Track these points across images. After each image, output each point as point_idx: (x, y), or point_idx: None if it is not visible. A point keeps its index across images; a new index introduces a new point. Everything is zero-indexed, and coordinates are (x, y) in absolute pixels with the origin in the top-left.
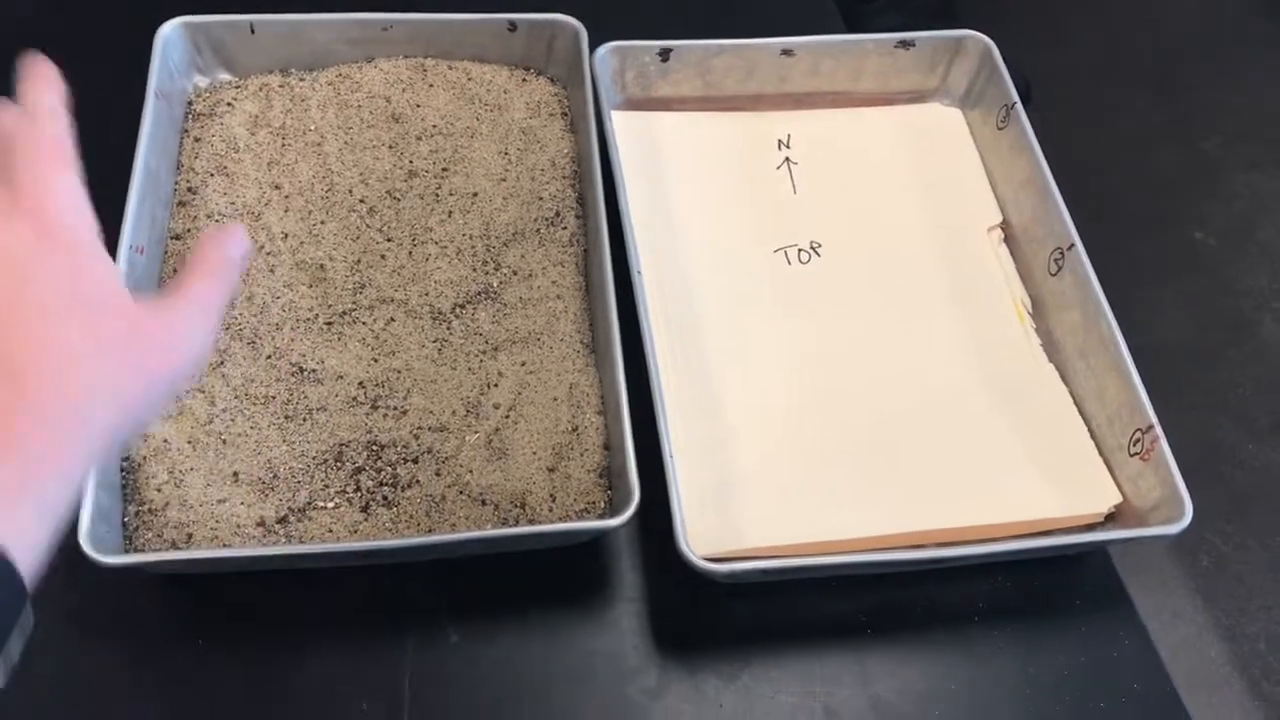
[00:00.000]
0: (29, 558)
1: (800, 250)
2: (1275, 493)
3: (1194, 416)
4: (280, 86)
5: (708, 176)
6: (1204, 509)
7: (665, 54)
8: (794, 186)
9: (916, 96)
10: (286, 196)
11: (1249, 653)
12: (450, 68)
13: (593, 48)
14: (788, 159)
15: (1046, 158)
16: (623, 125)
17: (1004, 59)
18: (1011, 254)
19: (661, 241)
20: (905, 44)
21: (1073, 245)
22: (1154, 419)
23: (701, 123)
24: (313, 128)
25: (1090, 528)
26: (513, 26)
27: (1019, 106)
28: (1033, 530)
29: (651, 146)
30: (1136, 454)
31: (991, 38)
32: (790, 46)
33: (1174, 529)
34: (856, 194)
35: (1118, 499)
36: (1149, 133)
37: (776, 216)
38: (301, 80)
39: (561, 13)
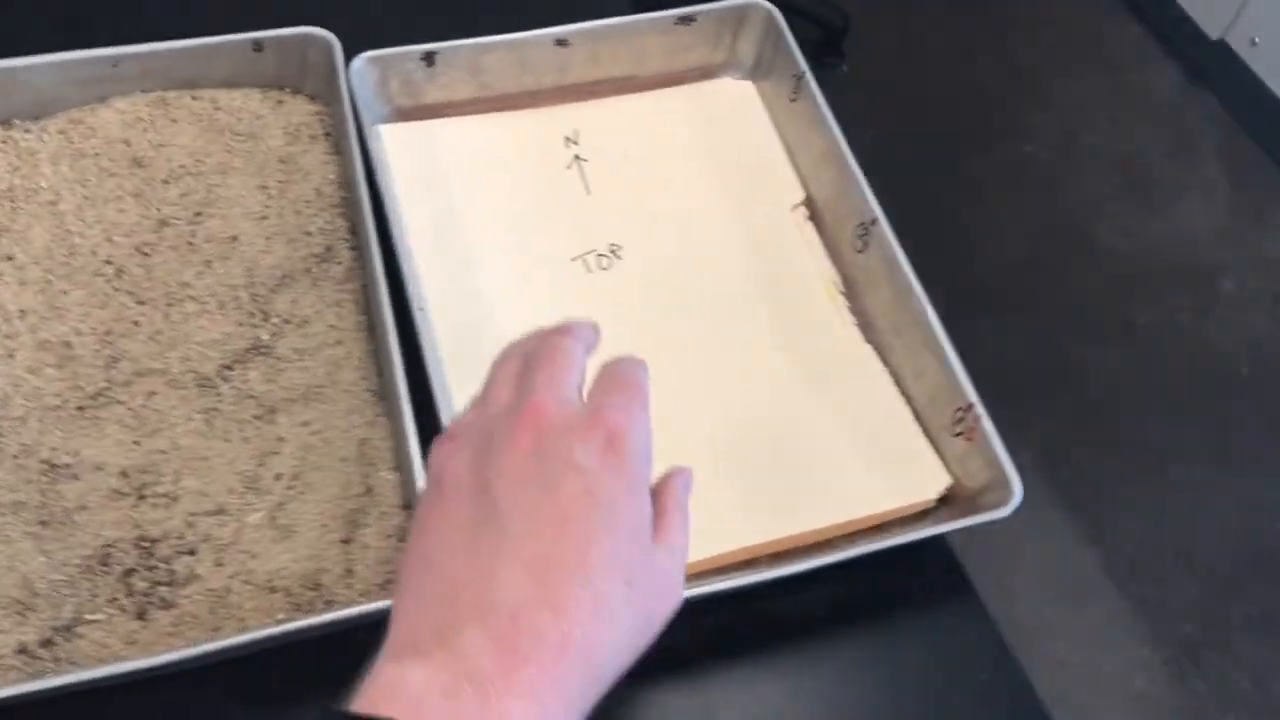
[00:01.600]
0: None
1: (600, 256)
2: (1120, 399)
3: (1039, 330)
4: (2, 142)
5: (493, 186)
6: (1058, 423)
7: (429, 58)
8: (586, 186)
9: (706, 73)
10: (20, 268)
11: (1116, 553)
12: (194, 98)
13: (351, 59)
14: (577, 156)
15: (871, 90)
16: (394, 140)
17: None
18: (819, 231)
19: (449, 265)
20: (685, 19)
21: (875, 220)
22: (973, 397)
23: (480, 127)
24: (44, 185)
25: (924, 515)
26: (258, 46)
27: (808, 77)
28: (867, 525)
29: (429, 160)
30: (960, 434)
31: None
32: (564, 36)
33: (1002, 512)
34: (652, 187)
35: (947, 482)
36: (968, 50)
37: (571, 221)
38: (27, 132)
39: (319, 25)
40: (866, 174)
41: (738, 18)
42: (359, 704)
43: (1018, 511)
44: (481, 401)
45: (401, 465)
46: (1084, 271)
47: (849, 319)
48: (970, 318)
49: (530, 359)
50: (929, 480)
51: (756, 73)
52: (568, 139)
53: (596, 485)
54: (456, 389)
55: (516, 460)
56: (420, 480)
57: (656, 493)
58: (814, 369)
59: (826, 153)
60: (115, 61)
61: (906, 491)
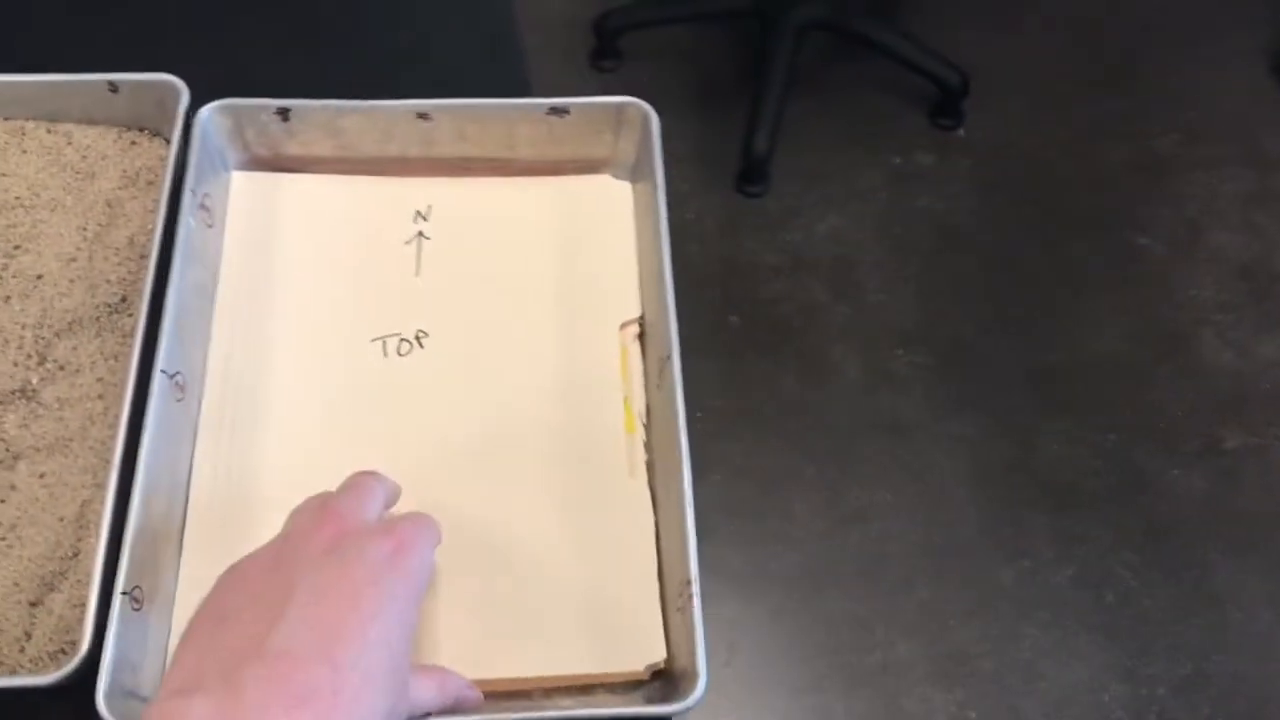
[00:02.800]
0: None
1: (402, 340)
2: (1188, 527)
3: (1115, 436)
4: None
5: (320, 248)
6: (1113, 541)
7: (284, 113)
8: (418, 266)
9: (589, 165)
10: None
11: (1147, 697)
12: (49, 131)
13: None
14: (420, 233)
15: (986, 155)
16: (239, 188)
17: (941, 45)
18: (645, 354)
19: (242, 328)
20: (558, 110)
21: (669, 356)
22: (693, 572)
23: (328, 186)
24: None
25: (634, 684)
26: (114, 87)
27: (660, 189)
28: (573, 683)
29: (266, 213)
30: (680, 609)
31: (935, 23)
32: (425, 110)
33: (672, 707)
34: (487, 278)
35: (661, 656)
36: (1100, 127)
37: (387, 300)
38: None
39: (206, 69)
40: (958, 243)
41: (615, 115)
42: None
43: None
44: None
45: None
46: (1177, 381)
47: (640, 456)
48: (1038, 412)
49: (333, 493)
50: (644, 650)
51: (637, 174)
52: (418, 213)
53: (382, 577)
54: (203, 458)
55: (312, 547)
56: (103, 547)
57: (434, 670)
58: (584, 504)
59: (655, 271)
60: None
61: (618, 658)
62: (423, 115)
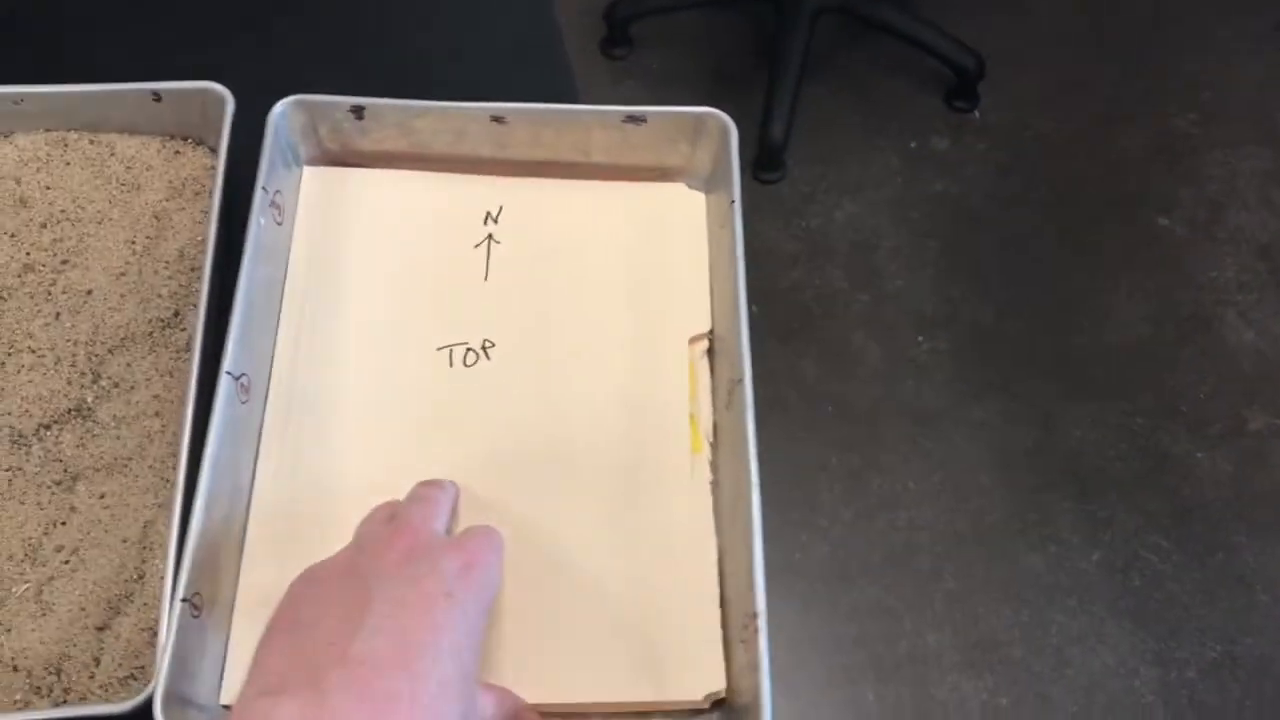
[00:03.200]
0: None
1: (469, 350)
2: (1214, 508)
3: (1139, 418)
4: None
5: (391, 250)
6: (1140, 523)
7: (359, 111)
8: (487, 271)
9: (663, 173)
10: None
11: (1177, 680)
12: (92, 142)
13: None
14: (490, 236)
15: (1002, 138)
16: (310, 183)
17: (955, 28)
18: (713, 370)
19: (308, 330)
20: (634, 119)
21: (741, 380)
22: (760, 605)
23: (400, 182)
24: None
25: (691, 714)
26: (157, 97)
27: (736, 205)
28: (631, 709)
29: (338, 210)
30: (744, 641)
31: (950, 5)
32: (501, 113)
33: None
34: (555, 285)
35: (721, 685)
36: (1116, 108)
37: (455, 306)
38: None
39: (260, 79)
40: (976, 226)
41: (694, 125)
42: None
43: None
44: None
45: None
46: (1200, 362)
47: (705, 477)
48: (1060, 395)
49: (402, 504)
50: (704, 680)
51: (711, 184)
52: (489, 215)
53: (454, 590)
54: (267, 464)
55: (388, 558)
56: (170, 570)
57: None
58: (646, 524)
59: (727, 291)
60: (18, 99)
61: (678, 686)
62: (497, 119)
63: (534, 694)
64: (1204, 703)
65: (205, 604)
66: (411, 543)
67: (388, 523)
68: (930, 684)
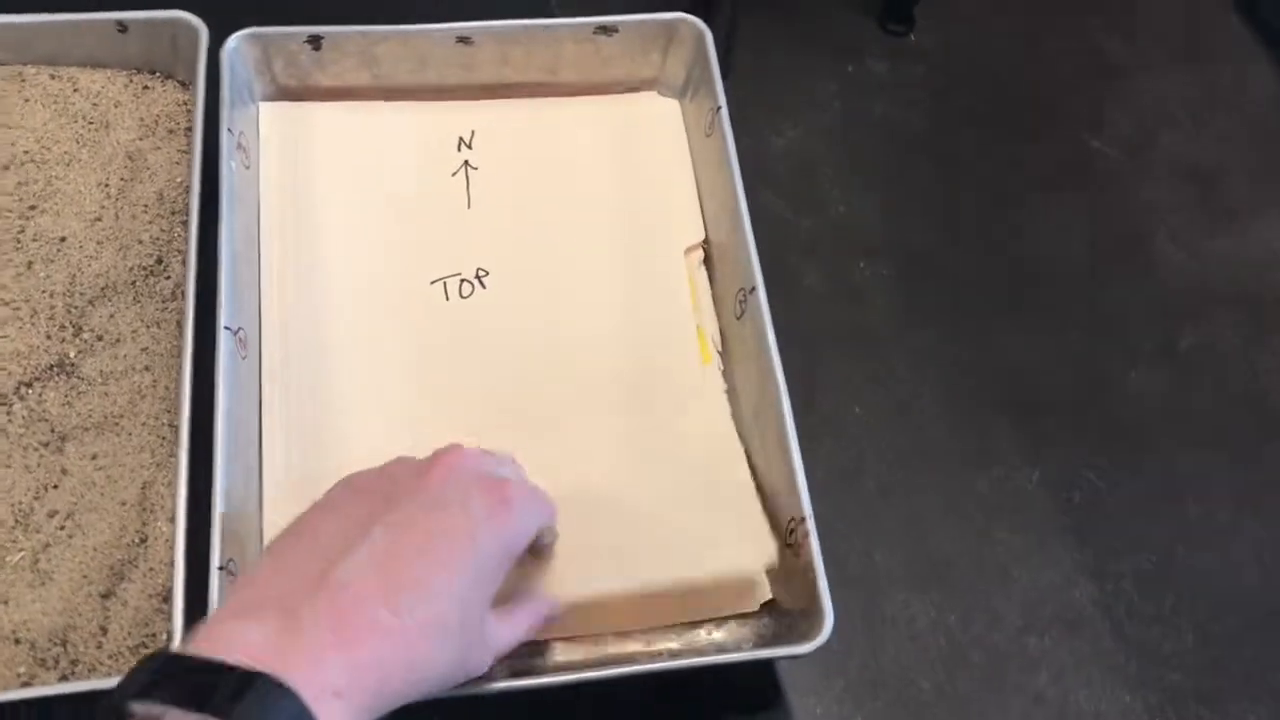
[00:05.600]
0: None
1: (463, 281)
2: (1148, 424)
3: (1072, 340)
4: None
5: (364, 186)
6: (1077, 443)
7: (315, 41)
8: (469, 198)
9: (632, 86)
10: None
11: (1113, 590)
12: (53, 77)
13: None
14: (466, 163)
15: (938, 61)
16: (270, 120)
17: None
18: (711, 279)
19: (292, 278)
20: (605, 29)
21: (754, 288)
22: (807, 509)
23: (365, 115)
24: None
25: (746, 617)
26: (122, 27)
27: (723, 112)
28: (678, 620)
29: (302, 148)
30: (791, 546)
31: None
32: (466, 33)
33: (803, 648)
34: (540, 207)
35: (766, 596)
36: (1047, 29)
37: (442, 238)
38: None
39: (207, 8)
40: (916, 151)
41: (666, 33)
42: (190, 649)
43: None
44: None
45: (175, 515)
46: (1132, 282)
47: (719, 385)
48: (999, 318)
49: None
50: (753, 587)
51: (685, 92)
52: (461, 140)
53: (475, 530)
54: (272, 419)
55: (424, 480)
56: (182, 534)
57: (522, 600)
58: (669, 439)
59: (725, 201)
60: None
61: (727, 597)
62: (463, 39)
63: (580, 623)
64: (1141, 612)
65: (238, 573)
66: (455, 465)
67: (452, 449)
68: (879, 599)
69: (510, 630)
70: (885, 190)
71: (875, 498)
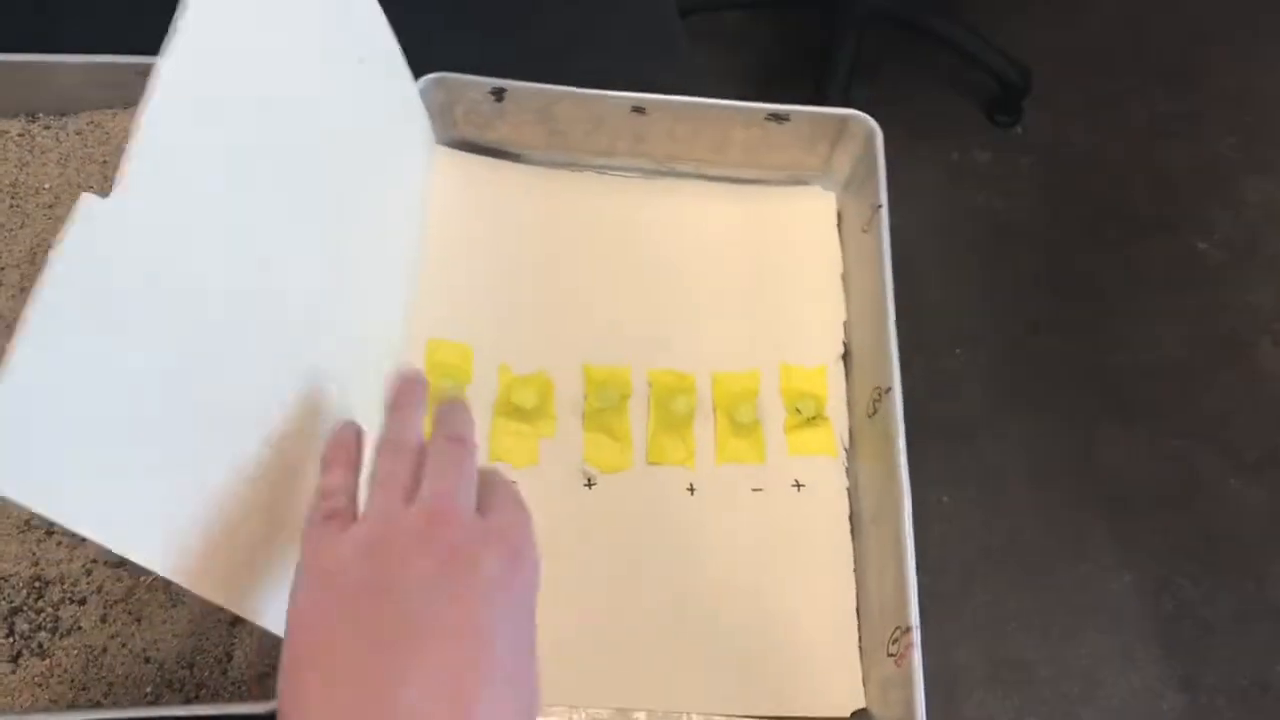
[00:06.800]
0: None
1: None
2: (1248, 538)
3: (1173, 444)
4: (19, 135)
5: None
6: (1172, 549)
7: (499, 94)
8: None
9: (797, 176)
10: (1, 269)
11: (1206, 706)
12: None
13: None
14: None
15: (1044, 154)
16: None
17: (1008, 42)
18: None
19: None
20: (777, 117)
21: (890, 389)
22: (914, 620)
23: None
24: (47, 186)
25: None
26: None
27: (883, 211)
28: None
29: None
30: (893, 655)
31: (996, 19)
32: (642, 104)
33: None
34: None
35: (862, 700)
36: (1158, 128)
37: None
38: (46, 129)
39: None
40: (1017, 242)
41: (837, 126)
42: None
43: None
44: (377, 492)
45: None
46: (1235, 388)
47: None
48: (1096, 414)
49: (431, 464)
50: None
51: (849, 188)
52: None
53: (499, 601)
54: None
55: (420, 565)
56: None
57: None
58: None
59: (873, 301)
60: (140, 69)
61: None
62: (638, 109)
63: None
64: None
65: None
66: (445, 536)
67: (407, 503)
68: (958, 701)
69: None
70: (983, 279)
71: (957, 591)
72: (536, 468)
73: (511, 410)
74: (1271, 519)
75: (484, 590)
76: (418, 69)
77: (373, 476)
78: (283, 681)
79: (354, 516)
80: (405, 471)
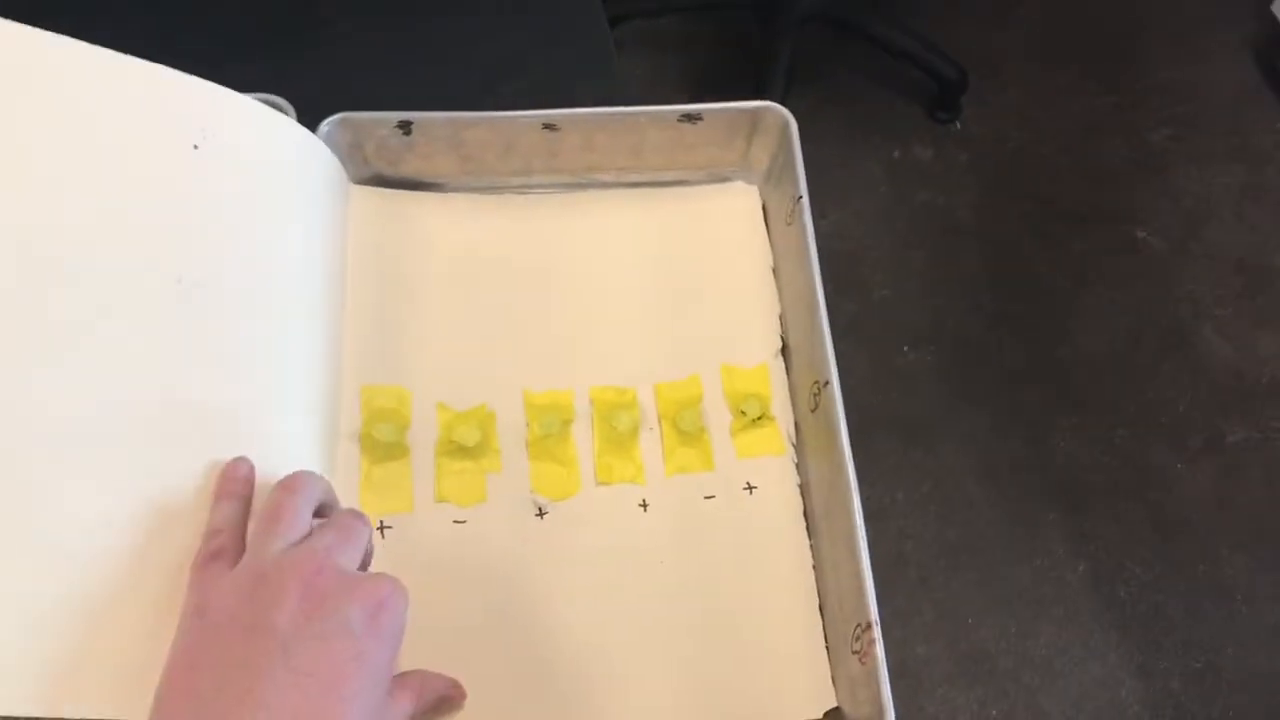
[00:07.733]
0: None
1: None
2: (1196, 520)
3: (1119, 432)
4: None
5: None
6: (1124, 536)
7: (406, 126)
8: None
9: (716, 173)
10: None
11: (1161, 690)
12: None
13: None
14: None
15: (985, 149)
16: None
17: (945, 40)
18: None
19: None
20: (690, 117)
21: (828, 382)
22: (874, 615)
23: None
24: None
25: None
26: None
27: (804, 202)
28: None
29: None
30: (856, 652)
31: (931, 17)
32: (553, 120)
33: None
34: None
35: (833, 700)
36: (1095, 121)
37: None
38: None
39: (308, 89)
40: (960, 237)
41: (751, 120)
42: None
43: None
44: (261, 530)
45: None
46: (1178, 375)
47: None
48: (1044, 408)
49: (328, 523)
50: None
51: (769, 181)
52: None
53: (364, 649)
54: None
55: (288, 605)
56: None
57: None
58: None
59: (803, 293)
60: None
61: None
62: (549, 125)
63: None
64: (1190, 712)
65: None
66: (313, 581)
67: (292, 546)
68: (922, 695)
69: (400, 706)
70: (930, 276)
71: (916, 587)
72: (485, 505)
73: (454, 449)
74: (1219, 503)
75: (349, 638)
76: (344, 107)
77: (263, 511)
78: (153, 707)
79: (240, 552)
80: (294, 514)
